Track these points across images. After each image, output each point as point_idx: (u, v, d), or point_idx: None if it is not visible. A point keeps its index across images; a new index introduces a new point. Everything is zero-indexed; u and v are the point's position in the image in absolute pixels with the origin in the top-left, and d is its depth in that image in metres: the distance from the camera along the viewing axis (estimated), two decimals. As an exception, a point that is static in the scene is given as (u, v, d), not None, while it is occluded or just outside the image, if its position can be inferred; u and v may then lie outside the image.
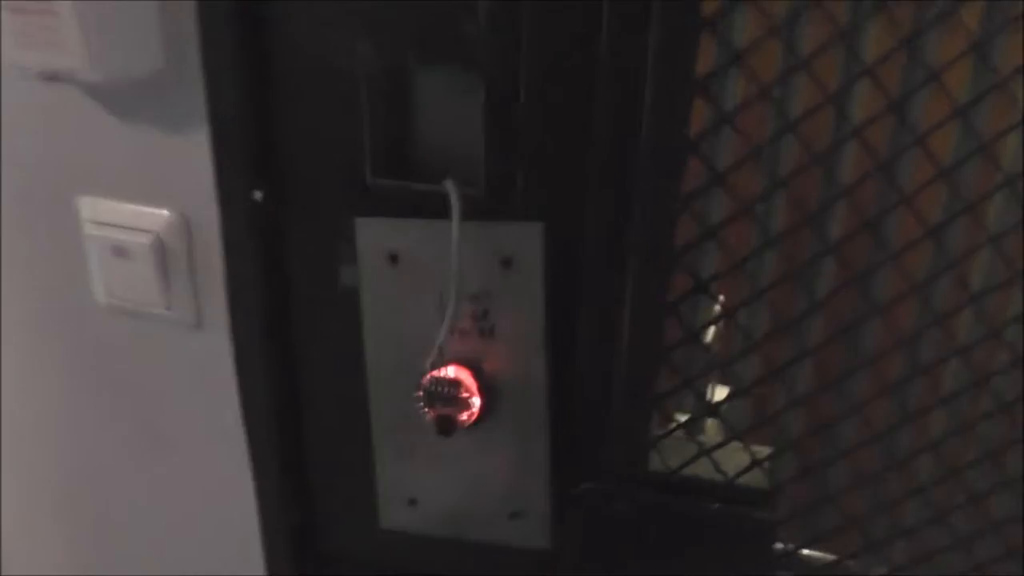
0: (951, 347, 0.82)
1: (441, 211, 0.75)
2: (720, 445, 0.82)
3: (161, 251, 0.89)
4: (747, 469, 0.82)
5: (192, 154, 0.83)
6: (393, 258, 0.80)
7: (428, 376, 0.79)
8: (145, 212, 0.89)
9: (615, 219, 0.74)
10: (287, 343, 0.88)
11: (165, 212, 0.88)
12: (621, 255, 0.74)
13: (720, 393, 1.00)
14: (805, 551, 0.91)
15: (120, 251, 0.90)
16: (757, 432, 0.83)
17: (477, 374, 0.80)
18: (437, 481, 0.88)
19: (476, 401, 0.80)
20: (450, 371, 0.79)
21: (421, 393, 0.79)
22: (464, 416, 0.79)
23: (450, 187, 0.76)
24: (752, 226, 0.83)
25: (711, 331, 1.02)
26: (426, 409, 0.79)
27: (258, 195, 0.80)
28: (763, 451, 0.85)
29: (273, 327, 0.86)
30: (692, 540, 0.83)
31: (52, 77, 0.77)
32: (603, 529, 0.82)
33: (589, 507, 0.82)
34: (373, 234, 0.80)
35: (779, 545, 0.86)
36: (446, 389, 0.79)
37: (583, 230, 0.75)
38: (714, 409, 0.81)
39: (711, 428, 0.92)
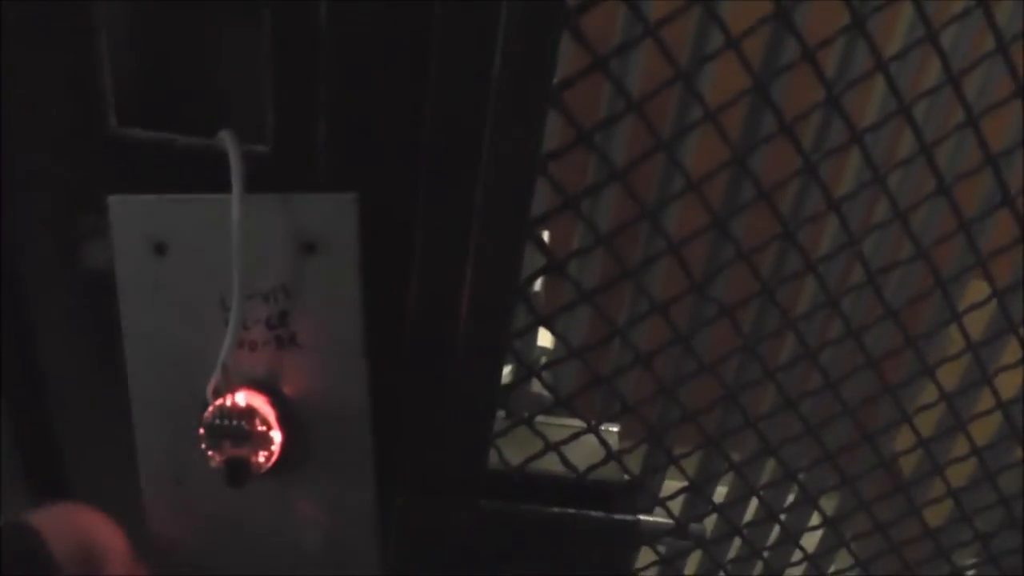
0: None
1: (223, 182, 0.54)
2: (572, 437, 0.66)
3: None
4: (601, 463, 0.67)
5: None
6: (160, 248, 0.57)
7: (211, 408, 0.58)
8: None
9: (453, 182, 0.55)
10: (20, 344, 0.64)
11: None
12: (460, 229, 0.56)
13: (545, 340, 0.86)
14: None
15: None
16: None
17: (276, 399, 0.60)
18: (227, 538, 0.66)
19: (276, 436, 0.59)
20: (239, 398, 0.58)
21: (203, 431, 0.58)
22: (261, 457, 0.59)
23: (228, 140, 0.54)
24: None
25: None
26: (210, 452, 0.58)
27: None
28: (610, 431, 0.71)
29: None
30: (544, 547, 0.68)
31: None
32: (438, 545, 0.66)
33: (419, 520, 0.65)
34: (132, 217, 0.57)
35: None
36: (235, 422, 0.58)
37: (408, 198, 0.56)
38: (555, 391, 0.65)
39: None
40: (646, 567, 0.77)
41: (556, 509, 0.66)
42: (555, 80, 0.52)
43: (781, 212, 0.59)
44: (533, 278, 0.60)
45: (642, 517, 0.74)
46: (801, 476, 0.77)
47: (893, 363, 0.71)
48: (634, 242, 0.65)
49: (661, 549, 0.78)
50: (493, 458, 0.67)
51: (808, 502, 0.74)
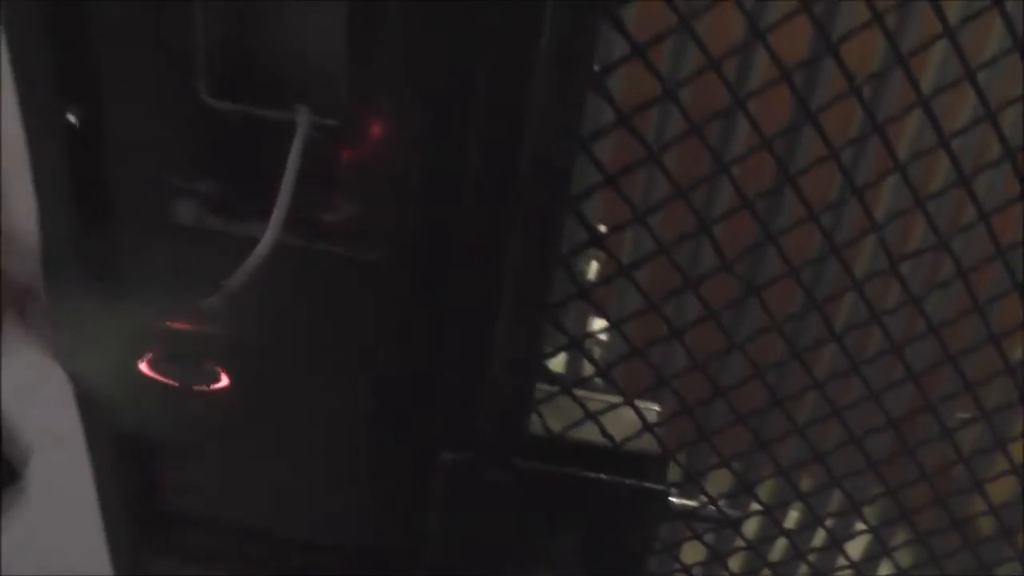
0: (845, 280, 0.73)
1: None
2: (609, 409, 0.70)
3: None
4: (637, 435, 0.71)
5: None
6: None
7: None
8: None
9: (503, 153, 0.60)
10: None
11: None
12: (509, 193, 0.61)
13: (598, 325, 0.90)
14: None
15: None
16: (637, 378, 0.72)
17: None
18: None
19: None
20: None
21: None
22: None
23: (302, 115, 0.60)
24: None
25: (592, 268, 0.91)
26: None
27: (72, 119, 0.63)
28: (650, 408, 0.75)
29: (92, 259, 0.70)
30: (577, 509, 0.72)
31: None
32: (477, 502, 0.71)
33: (458, 478, 0.69)
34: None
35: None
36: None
37: (463, 163, 0.61)
38: (596, 362, 0.69)
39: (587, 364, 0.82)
40: (680, 542, 0.80)
41: (590, 474, 0.70)
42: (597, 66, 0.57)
43: (806, 197, 0.63)
44: (575, 251, 0.65)
45: (678, 500, 0.78)
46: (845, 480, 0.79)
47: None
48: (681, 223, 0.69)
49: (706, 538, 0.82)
50: (537, 427, 0.71)
51: (834, 484, 0.77)
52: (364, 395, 0.71)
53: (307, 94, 0.61)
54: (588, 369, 0.88)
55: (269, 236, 0.60)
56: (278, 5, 0.61)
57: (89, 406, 0.74)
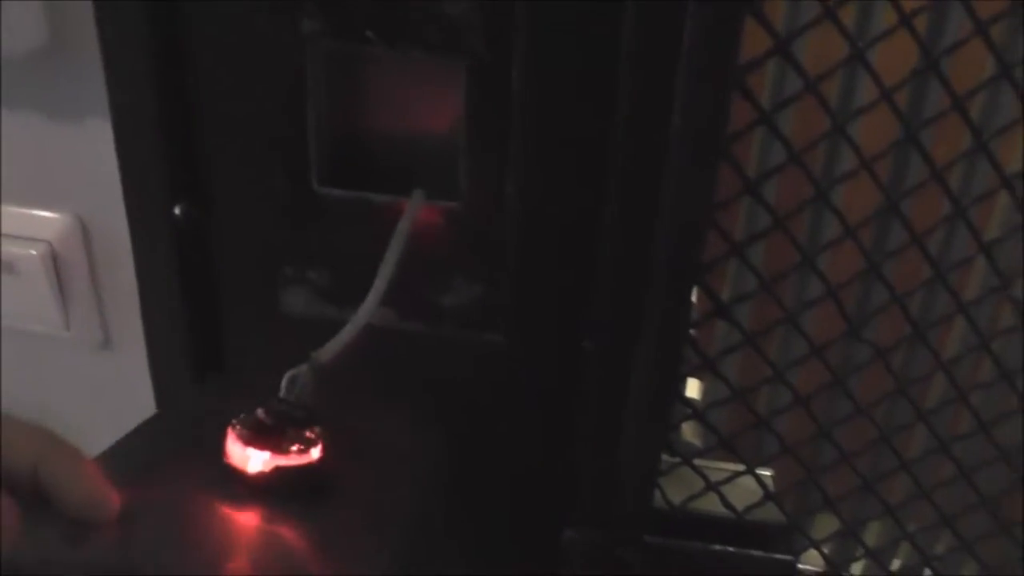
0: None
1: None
2: (730, 479, 0.68)
3: (55, 263, 0.70)
4: (759, 504, 0.68)
5: (88, 146, 0.64)
6: None
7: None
8: (35, 217, 0.69)
9: (634, 232, 0.57)
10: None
11: (59, 216, 0.69)
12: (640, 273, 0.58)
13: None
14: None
15: (7, 266, 0.70)
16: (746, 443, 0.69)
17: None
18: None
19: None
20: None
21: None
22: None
23: (415, 198, 0.58)
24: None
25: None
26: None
27: (178, 210, 0.61)
28: (765, 475, 0.72)
29: (200, 356, 0.67)
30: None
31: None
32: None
33: (587, 558, 0.66)
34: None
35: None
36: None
37: (593, 242, 0.58)
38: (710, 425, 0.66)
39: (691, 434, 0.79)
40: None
41: (718, 547, 0.67)
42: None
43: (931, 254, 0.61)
44: (699, 323, 0.62)
45: (801, 565, 0.74)
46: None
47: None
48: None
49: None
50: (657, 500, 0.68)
51: (963, 549, 0.74)
52: (481, 475, 0.68)
53: (424, 176, 0.59)
54: (686, 433, 0.85)
55: (367, 307, 0.56)
56: (392, 91, 0.59)
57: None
